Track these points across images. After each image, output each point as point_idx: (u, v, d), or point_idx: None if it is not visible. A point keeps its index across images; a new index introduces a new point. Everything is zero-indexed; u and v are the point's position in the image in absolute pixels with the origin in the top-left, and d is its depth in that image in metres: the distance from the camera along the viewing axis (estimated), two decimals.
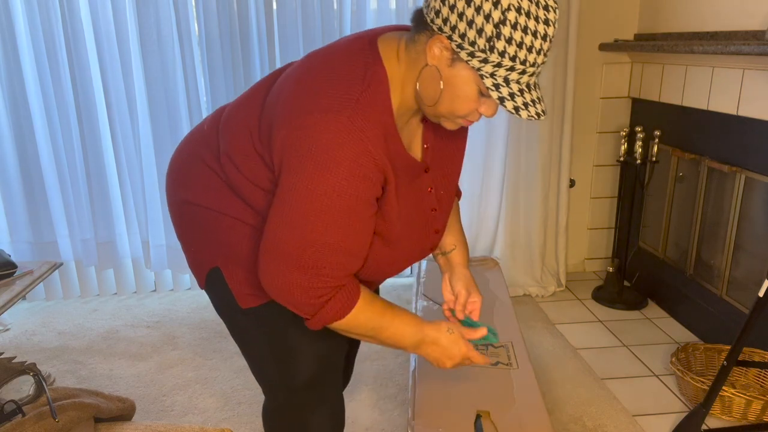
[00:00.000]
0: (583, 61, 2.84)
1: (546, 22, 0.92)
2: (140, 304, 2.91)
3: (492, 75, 0.94)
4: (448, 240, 1.33)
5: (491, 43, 0.92)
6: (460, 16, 0.93)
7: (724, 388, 1.80)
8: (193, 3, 2.62)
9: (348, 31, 2.69)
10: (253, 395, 2.11)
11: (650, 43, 2.50)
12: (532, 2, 0.91)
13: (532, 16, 0.91)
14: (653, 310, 2.75)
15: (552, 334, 2.53)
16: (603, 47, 2.85)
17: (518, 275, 2.95)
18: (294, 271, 1.02)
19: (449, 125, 1.06)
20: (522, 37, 0.91)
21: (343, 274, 1.04)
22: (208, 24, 2.62)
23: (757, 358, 2.03)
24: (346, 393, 1.87)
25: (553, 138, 2.79)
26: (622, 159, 2.78)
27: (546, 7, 0.92)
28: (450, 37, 0.95)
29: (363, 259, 1.07)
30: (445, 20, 0.95)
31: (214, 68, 2.68)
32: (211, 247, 1.20)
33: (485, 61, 0.94)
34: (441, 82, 0.99)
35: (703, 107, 2.33)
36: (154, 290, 3.06)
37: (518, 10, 0.90)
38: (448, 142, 1.20)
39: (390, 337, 1.12)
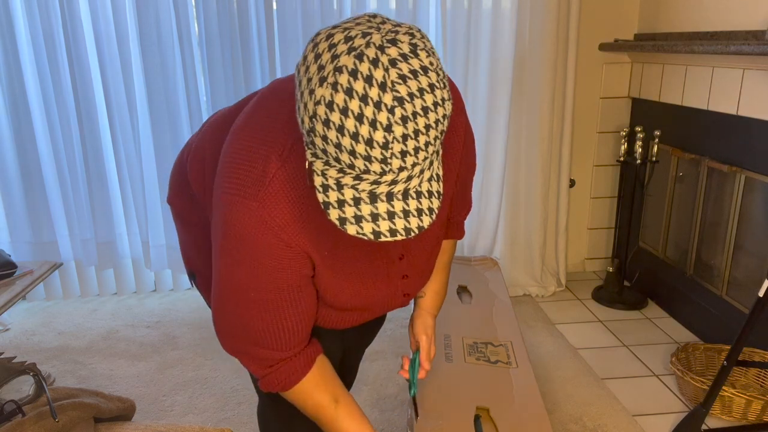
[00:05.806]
0: (583, 61, 2.84)
1: (373, 124, 0.69)
2: (140, 304, 2.91)
3: (323, 174, 0.76)
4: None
5: (310, 137, 0.74)
6: (301, 95, 0.75)
7: (724, 388, 1.80)
8: (193, 3, 2.62)
9: None
10: (253, 395, 2.11)
11: (650, 43, 2.50)
12: (353, 97, 0.69)
13: (351, 115, 0.69)
14: (653, 310, 2.75)
15: (552, 334, 2.53)
16: (603, 47, 2.85)
17: (518, 275, 2.95)
18: (235, 340, 1.02)
19: None
20: (338, 138, 0.71)
21: (286, 345, 1.01)
22: (208, 24, 2.61)
23: (757, 358, 2.03)
24: None
25: (553, 138, 2.79)
26: (622, 159, 2.78)
27: (378, 105, 0.69)
28: None
29: (308, 325, 1.04)
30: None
31: (214, 68, 2.67)
32: (185, 253, 1.23)
33: (315, 155, 0.76)
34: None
35: (703, 107, 2.33)
36: (154, 290, 3.06)
37: (329, 105, 0.70)
38: None
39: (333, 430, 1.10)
